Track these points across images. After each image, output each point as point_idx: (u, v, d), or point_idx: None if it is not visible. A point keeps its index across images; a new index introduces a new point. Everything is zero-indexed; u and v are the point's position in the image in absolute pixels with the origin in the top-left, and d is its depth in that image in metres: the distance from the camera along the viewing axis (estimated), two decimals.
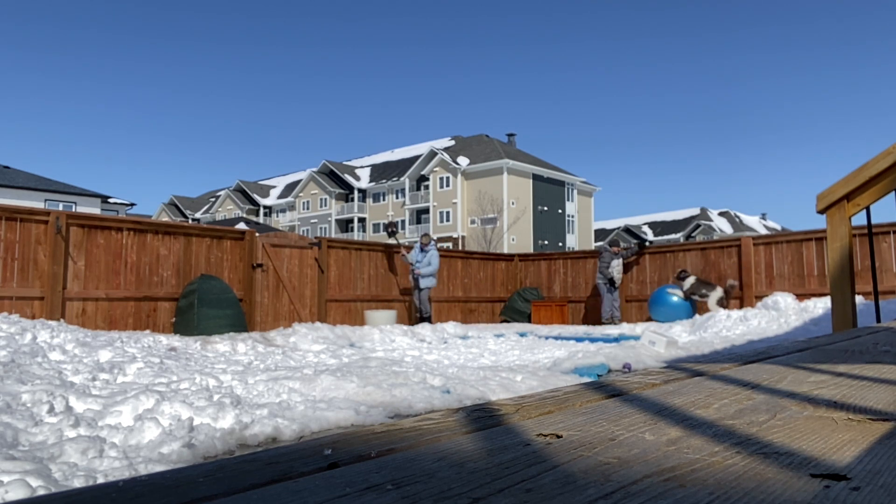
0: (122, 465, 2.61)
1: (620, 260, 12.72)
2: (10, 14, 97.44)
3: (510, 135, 59.37)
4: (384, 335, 9.00)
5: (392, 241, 12.95)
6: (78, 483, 2.36)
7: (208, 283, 9.24)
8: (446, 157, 54.62)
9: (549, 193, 55.82)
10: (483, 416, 1.05)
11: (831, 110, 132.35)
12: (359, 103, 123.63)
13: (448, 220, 54.60)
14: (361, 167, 65.67)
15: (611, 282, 12.59)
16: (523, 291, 14.42)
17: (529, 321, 13.87)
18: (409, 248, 12.67)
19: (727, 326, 9.40)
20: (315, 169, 64.67)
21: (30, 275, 8.02)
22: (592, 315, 13.84)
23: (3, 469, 2.28)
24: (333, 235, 59.64)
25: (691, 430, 0.97)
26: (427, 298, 11.99)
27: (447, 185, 54.83)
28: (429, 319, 11.83)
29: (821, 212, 4.51)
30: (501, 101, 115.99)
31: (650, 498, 0.64)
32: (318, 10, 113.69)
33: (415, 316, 12.19)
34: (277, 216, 69.28)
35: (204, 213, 73.84)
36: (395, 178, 59.10)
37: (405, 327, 9.77)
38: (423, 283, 11.89)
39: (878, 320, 4.84)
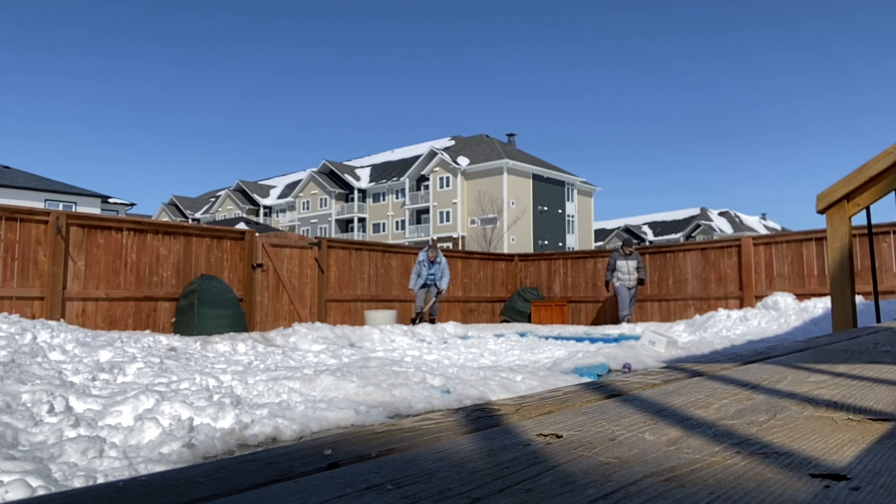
0: (122, 465, 2.61)
1: (628, 262, 12.14)
2: (11, 14, 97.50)
3: (510, 135, 59.37)
4: (384, 335, 8.99)
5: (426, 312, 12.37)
6: (78, 483, 2.36)
7: (208, 283, 9.24)
8: (446, 157, 54.61)
9: (549, 193, 55.82)
10: (483, 417, 1.05)
11: (831, 110, 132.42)
12: (359, 103, 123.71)
13: (448, 220, 54.59)
14: (361, 167, 65.66)
15: (606, 284, 12.43)
16: (523, 291, 14.42)
17: (529, 321, 13.87)
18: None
19: (727, 326, 9.40)
20: (315, 169, 64.66)
21: (30, 275, 8.02)
22: (593, 315, 13.85)
23: (3, 469, 2.28)
24: (333, 235, 59.65)
25: (691, 430, 0.97)
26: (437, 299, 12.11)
27: (447, 185, 54.83)
28: (433, 320, 11.79)
29: (821, 212, 4.51)
30: (501, 101, 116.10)
31: (650, 498, 0.64)
32: (318, 10, 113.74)
33: (414, 319, 12.03)
34: (277, 216, 69.27)
35: (204, 213, 73.84)
36: (395, 178, 59.09)
37: (405, 327, 9.77)
38: (442, 284, 11.90)
39: (878, 320, 4.84)
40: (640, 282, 12.25)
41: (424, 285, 11.88)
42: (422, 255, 11.88)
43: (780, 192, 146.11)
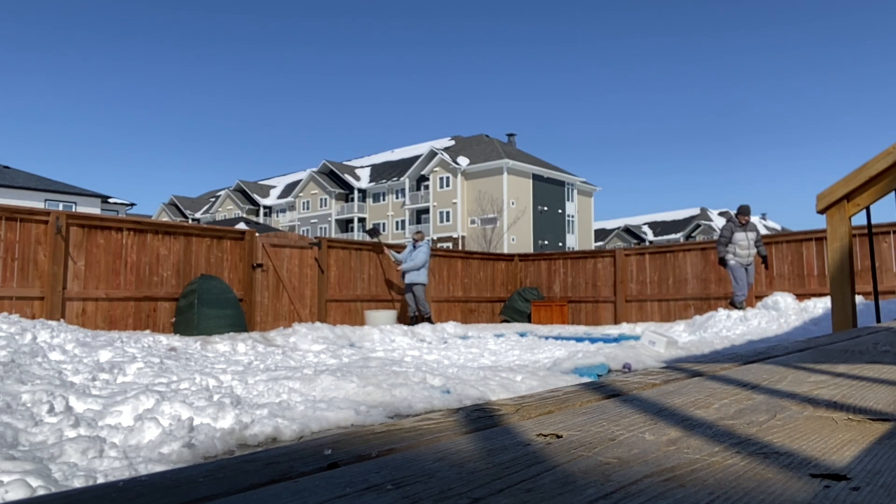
0: (122, 465, 2.61)
1: (747, 234, 10.23)
2: (11, 14, 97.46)
3: (510, 135, 59.38)
4: (384, 335, 8.99)
5: (375, 240, 12.55)
6: (78, 483, 2.36)
7: (208, 283, 9.24)
8: (446, 157, 54.61)
9: (549, 193, 55.82)
10: (483, 417, 1.05)
11: (831, 110, 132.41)
12: (359, 103, 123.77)
13: (448, 220, 54.59)
14: (361, 167, 65.66)
15: (721, 261, 10.37)
16: (523, 291, 14.42)
17: (529, 321, 13.87)
18: (401, 248, 12.55)
19: (727, 326, 9.40)
20: (315, 169, 64.66)
21: (30, 275, 8.02)
22: (593, 315, 13.85)
23: (3, 469, 2.28)
24: (333, 235, 59.63)
25: (691, 430, 0.97)
26: (423, 297, 11.66)
27: (447, 185, 54.82)
28: (429, 319, 11.62)
29: (821, 212, 4.51)
30: (501, 101, 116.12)
31: (650, 498, 0.64)
32: (318, 10, 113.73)
33: (409, 317, 11.89)
34: (277, 216, 69.26)
35: (204, 213, 73.82)
36: (395, 178, 59.09)
37: (405, 327, 9.77)
38: (409, 277, 11.59)
39: (878, 320, 4.84)
40: (763, 259, 10.41)
41: (406, 285, 11.77)
42: (409, 242, 12.09)
43: (780, 192, 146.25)
